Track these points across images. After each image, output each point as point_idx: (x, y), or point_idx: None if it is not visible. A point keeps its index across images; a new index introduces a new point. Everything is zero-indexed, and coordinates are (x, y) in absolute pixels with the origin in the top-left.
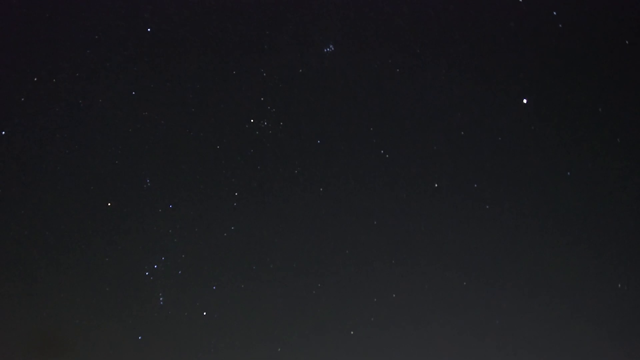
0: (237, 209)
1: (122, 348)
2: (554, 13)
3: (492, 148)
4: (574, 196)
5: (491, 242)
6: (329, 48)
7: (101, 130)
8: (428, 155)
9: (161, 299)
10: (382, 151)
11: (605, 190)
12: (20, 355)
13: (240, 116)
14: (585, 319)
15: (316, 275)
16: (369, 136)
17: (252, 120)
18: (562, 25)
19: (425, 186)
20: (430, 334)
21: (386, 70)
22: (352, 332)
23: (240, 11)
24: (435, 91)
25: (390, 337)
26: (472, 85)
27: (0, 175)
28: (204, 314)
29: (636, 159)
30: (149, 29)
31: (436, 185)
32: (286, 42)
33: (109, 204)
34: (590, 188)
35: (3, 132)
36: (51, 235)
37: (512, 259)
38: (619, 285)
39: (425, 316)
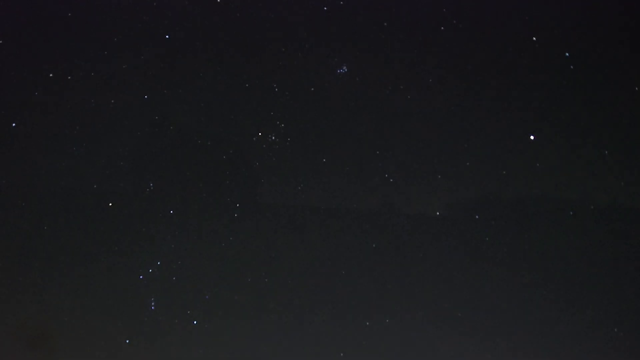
0: (237, 220)
1: (108, 350)
2: (567, 54)
3: (497, 181)
4: (575, 236)
5: (489, 274)
6: (343, 69)
7: (110, 131)
8: (432, 183)
9: (152, 304)
10: (386, 175)
11: (608, 232)
12: (8, 355)
13: (248, 128)
14: None
15: (311, 293)
16: (375, 159)
17: (259, 134)
18: (573, 67)
19: (427, 214)
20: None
21: (398, 96)
22: (341, 354)
23: (257, 26)
24: (445, 120)
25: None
26: (482, 117)
27: (3, 167)
28: (194, 322)
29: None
30: (167, 36)
31: (438, 213)
32: (301, 59)
33: (110, 204)
34: (593, 228)
35: (13, 124)
36: (49, 231)
37: (508, 292)
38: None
39: (419, 343)
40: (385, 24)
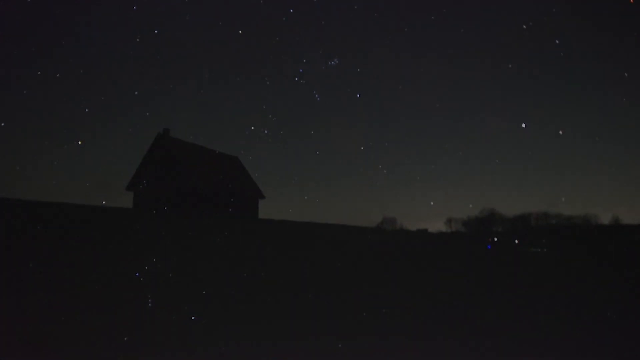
0: (233, 215)
1: (107, 347)
2: (557, 42)
3: (491, 168)
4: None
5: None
6: (334, 62)
7: (100, 129)
8: (428, 169)
9: (150, 300)
10: (380, 166)
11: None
12: (8, 355)
13: (241, 123)
14: None
15: (306, 285)
16: (368, 149)
17: (252, 128)
18: (563, 54)
19: (422, 205)
20: (419, 351)
21: (389, 86)
22: (339, 345)
23: (248, 20)
24: (438, 109)
25: (378, 352)
26: (475, 107)
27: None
28: (192, 318)
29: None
30: (156, 31)
31: (431, 203)
32: (292, 52)
33: (103, 202)
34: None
35: (3, 124)
36: (43, 229)
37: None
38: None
39: (415, 333)
40: (376, 14)
